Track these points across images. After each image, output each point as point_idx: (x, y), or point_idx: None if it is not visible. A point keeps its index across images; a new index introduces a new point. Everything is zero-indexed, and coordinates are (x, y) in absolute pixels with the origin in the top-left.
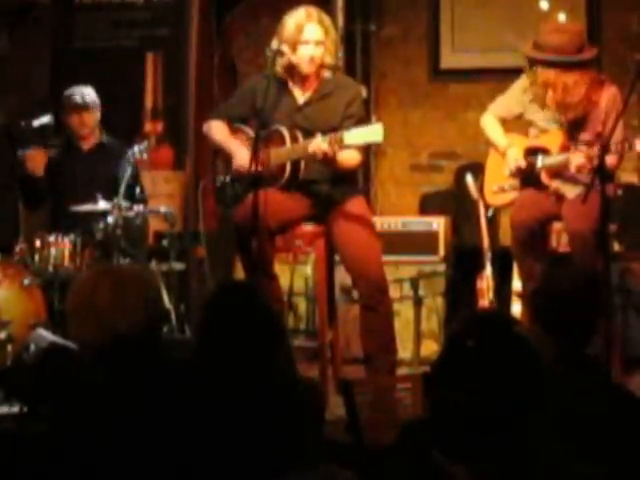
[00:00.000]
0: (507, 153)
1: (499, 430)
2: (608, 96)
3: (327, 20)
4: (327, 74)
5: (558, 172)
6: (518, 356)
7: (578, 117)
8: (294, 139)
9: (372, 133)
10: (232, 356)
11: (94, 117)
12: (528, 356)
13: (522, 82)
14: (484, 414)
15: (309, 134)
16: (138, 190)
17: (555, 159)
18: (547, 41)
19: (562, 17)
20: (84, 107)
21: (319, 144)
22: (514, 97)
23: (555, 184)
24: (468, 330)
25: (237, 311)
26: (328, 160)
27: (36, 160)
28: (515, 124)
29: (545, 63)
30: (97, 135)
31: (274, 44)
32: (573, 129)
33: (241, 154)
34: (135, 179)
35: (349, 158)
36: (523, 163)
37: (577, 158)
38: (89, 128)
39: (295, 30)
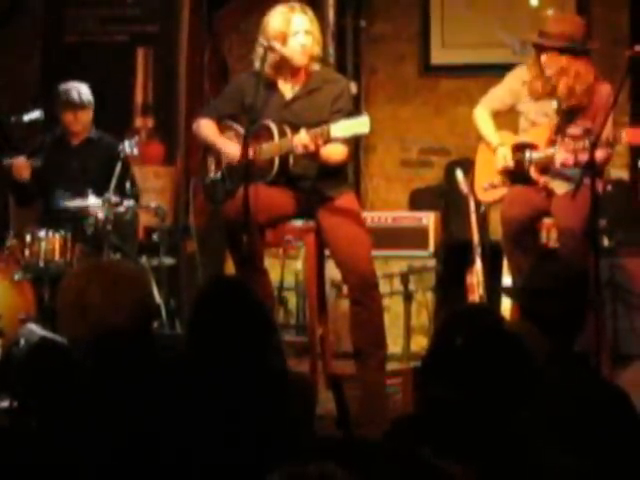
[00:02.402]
0: (497, 151)
1: (488, 426)
2: (602, 94)
3: (310, 11)
4: (315, 67)
5: (546, 167)
6: (507, 352)
7: (579, 105)
8: (282, 134)
9: (359, 125)
10: (223, 351)
11: (88, 115)
12: (517, 352)
13: (517, 74)
14: (473, 410)
15: (298, 129)
16: (129, 185)
17: (541, 154)
18: (556, 29)
19: (552, 13)
20: (80, 106)
21: (300, 138)
22: (507, 88)
23: (544, 179)
24: (457, 326)
25: (228, 306)
26: (311, 154)
27: (21, 169)
28: (506, 120)
29: (559, 49)
30: (88, 130)
31: (260, 41)
32: (563, 122)
33: (230, 148)
34: (126, 174)
35: (334, 152)
36: (511, 164)
37: (561, 154)
38: (83, 126)
39: (283, 23)
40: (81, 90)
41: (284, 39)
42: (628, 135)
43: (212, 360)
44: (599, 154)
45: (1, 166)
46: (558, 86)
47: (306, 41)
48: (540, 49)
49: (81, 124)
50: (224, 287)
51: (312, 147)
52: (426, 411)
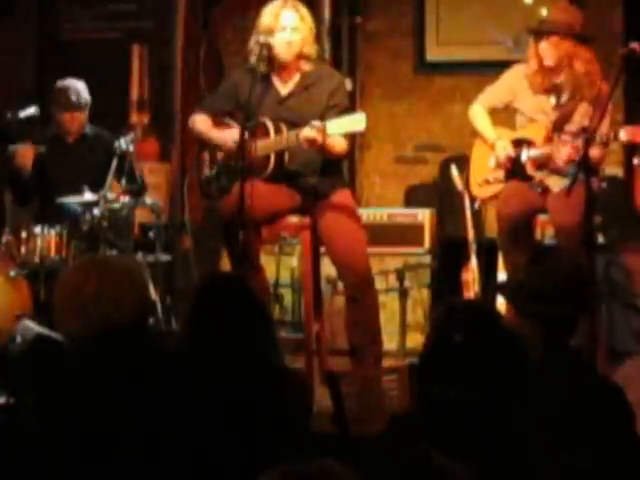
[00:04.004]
0: (496, 144)
1: (486, 423)
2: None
3: (303, 9)
4: (308, 66)
5: (542, 164)
6: (505, 349)
7: (584, 97)
8: (278, 131)
9: (354, 122)
10: (219, 347)
11: (84, 116)
12: (515, 349)
13: (515, 72)
14: (470, 406)
15: (293, 126)
16: (139, 176)
17: (538, 151)
18: (558, 17)
19: (545, 12)
20: (78, 107)
21: (308, 132)
22: (504, 86)
23: (539, 176)
24: (454, 323)
25: (224, 302)
26: (318, 147)
27: (25, 156)
28: (502, 117)
29: (563, 33)
30: (83, 128)
31: (255, 37)
32: (560, 120)
33: (226, 135)
34: (124, 170)
35: (337, 144)
36: (512, 152)
37: (560, 152)
38: (79, 125)
39: (272, 18)
40: (79, 91)
41: (272, 34)
42: (628, 133)
43: (209, 356)
44: (596, 152)
45: (5, 155)
46: (574, 68)
47: (292, 38)
48: (539, 36)
49: (78, 124)
50: (220, 283)
51: (320, 140)
52: (424, 408)
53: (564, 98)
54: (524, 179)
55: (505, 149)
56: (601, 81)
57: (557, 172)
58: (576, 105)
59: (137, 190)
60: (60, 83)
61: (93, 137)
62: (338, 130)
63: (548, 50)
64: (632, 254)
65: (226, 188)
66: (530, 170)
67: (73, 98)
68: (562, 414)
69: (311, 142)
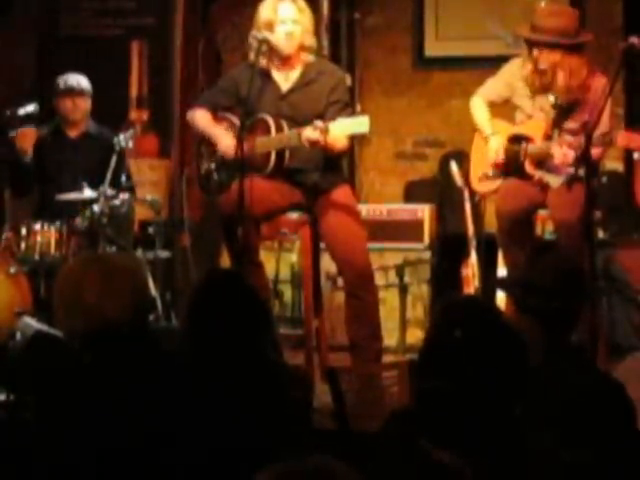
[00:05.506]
0: (489, 142)
1: (486, 418)
2: (598, 86)
3: (301, 1)
4: (310, 57)
5: (542, 161)
6: (506, 345)
7: (575, 100)
8: (279, 128)
9: (358, 124)
10: (218, 343)
11: (86, 104)
12: (516, 345)
13: (513, 66)
14: (471, 402)
15: (294, 122)
16: (124, 178)
17: (537, 148)
18: (547, 24)
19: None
20: (79, 92)
21: (311, 134)
22: (503, 81)
23: (539, 174)
24: (455, 318)
25: (224, 298)
26: (319, 147)
27: (26, 138)
28: (502, 110)
29: (550, 45)
30: (85, 123)
31: (254, 33)
32: (560, 117)
33: (226, 140)
34: (121, 167)
35: (339, 141)
36: (501, 158)
37: (558, 151)
38: (80, 114)
39: (271, 11)
40: (79, 78)
41: (272, 27)
42: (623, 139)
43: (208, 353)
44: (595, 151)
45: (6, 140)
46: (556, 81)
47: (292, 29)
48: (531, 44)
49: (79, 112)
50: (220, 279)
51: (322, 141)
52: (423, 404)
53: (561, 99)
54: (523, 176)
55: (496, 152)
56: (589, 83)
57: (554, 171)
58: (575, 103)
59: (128, 188)
60: (60, 76)
61: (95, 136)
62: (341, 132)
63: (540, 58)
64: (632, 249)
65: (225, 184)
66: (529, 167)
67: (73, 83)
68: (563, 410)
69: (313, 143)
